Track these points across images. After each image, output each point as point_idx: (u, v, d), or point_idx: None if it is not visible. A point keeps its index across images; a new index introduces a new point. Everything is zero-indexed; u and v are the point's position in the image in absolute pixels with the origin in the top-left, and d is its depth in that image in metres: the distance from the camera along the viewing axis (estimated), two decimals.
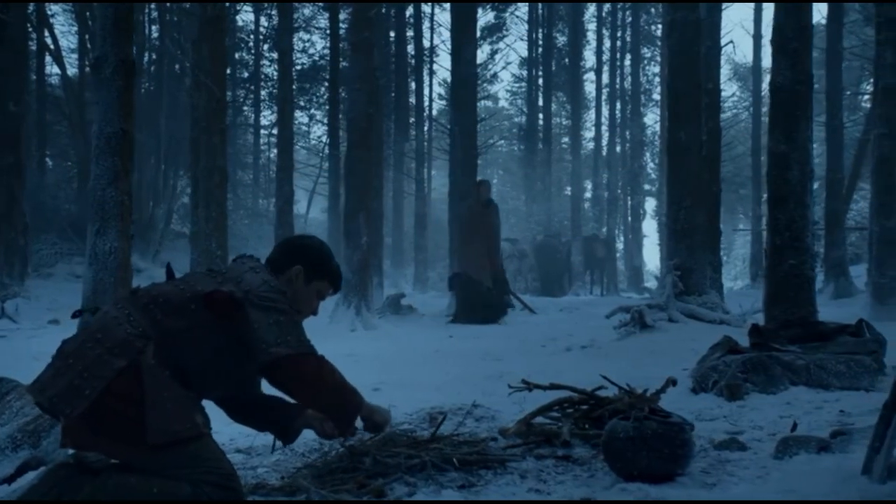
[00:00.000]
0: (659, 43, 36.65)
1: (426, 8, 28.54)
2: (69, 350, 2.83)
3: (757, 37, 28.78)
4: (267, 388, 3.64)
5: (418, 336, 10.97)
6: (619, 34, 35.14)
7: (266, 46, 27.13)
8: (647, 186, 37.05)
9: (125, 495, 2.78)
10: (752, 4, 28.39)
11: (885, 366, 5.73)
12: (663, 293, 9.18)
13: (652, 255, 46.00)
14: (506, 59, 53.81)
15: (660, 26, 36.27)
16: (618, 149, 34.77)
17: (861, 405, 4.50)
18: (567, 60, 34.32)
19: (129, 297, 3.01)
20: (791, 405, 4.85)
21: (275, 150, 30.50)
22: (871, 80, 29.05)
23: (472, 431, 4.29)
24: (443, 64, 44.20)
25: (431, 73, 30.39)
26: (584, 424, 4.04)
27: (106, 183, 5.58)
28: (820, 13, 22.66)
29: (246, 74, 26.97)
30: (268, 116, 29.86)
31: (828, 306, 12.75)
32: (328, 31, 24.55)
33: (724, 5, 13.71)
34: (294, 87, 21.30)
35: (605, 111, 35.63)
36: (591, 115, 35.52)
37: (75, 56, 22.83)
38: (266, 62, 27.67)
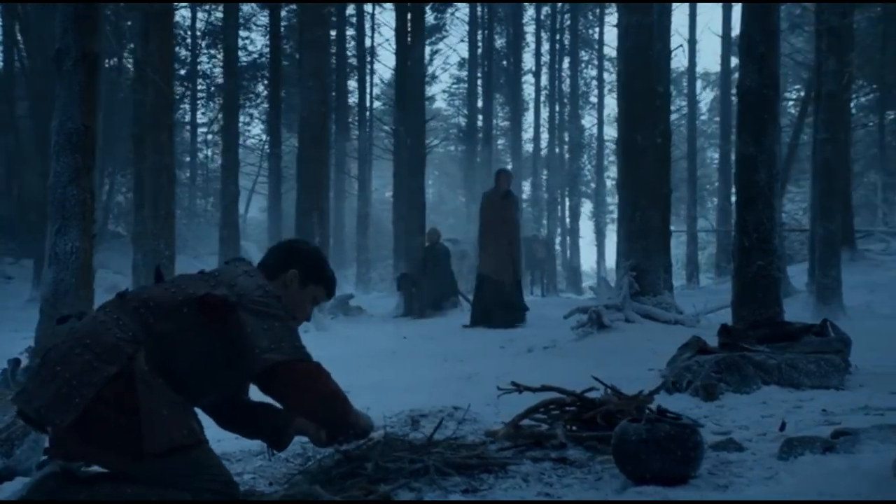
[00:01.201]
0: (597, 47, 37.22)
1: (367, 7, 28.36)
2: (56, 357, 2.71)
3: (692, 42, 29.25)
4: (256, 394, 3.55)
5: (372, 337, 10.87)
6: (557, 37, 35.43)
7: (204, 42, 26.61)
8: (582, 188, 37.46)
9: None
10: (687, 11, 28.87)
11: (850, 364, 5.87)
12: (620, 294, 9.26)
13: (588, 257, 46.50)
14: (446, 61, 53.53)
15: (597, 30, 36.84)
16: (556, 150, 35.10)
17: (841, 404, 4.57)
18: (506, 62, 34.54)
19: (117, 301, 2.92)
20: (768, 405, 4.91)
21: (212, 149, 30.02)
22: (798, 87, 30.02)
23: (457, 434, 4.23)
24: (386, 63, 44.10)
25: (372, 72, 30.24)
26: (571, 426, 4.01)
27: (67, 181, 5.35)
28: (801, 15, 23.32)
29: (182, 71, 26.41)
30: (206, 114, 29.35)
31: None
32: (268, 29, 24.25)
33: (674, 6, 13.89)
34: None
35: (544, 113, 35.97)
36: (530, 116, 35.71)
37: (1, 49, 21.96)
38: (204, 58, 27.18)
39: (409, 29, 16.75)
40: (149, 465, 2.65)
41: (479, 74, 33.82)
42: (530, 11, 34.92)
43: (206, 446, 2.81)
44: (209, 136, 29.88)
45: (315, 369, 2.86)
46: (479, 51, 34.14)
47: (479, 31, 33.86)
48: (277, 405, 3.30)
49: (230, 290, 2.82)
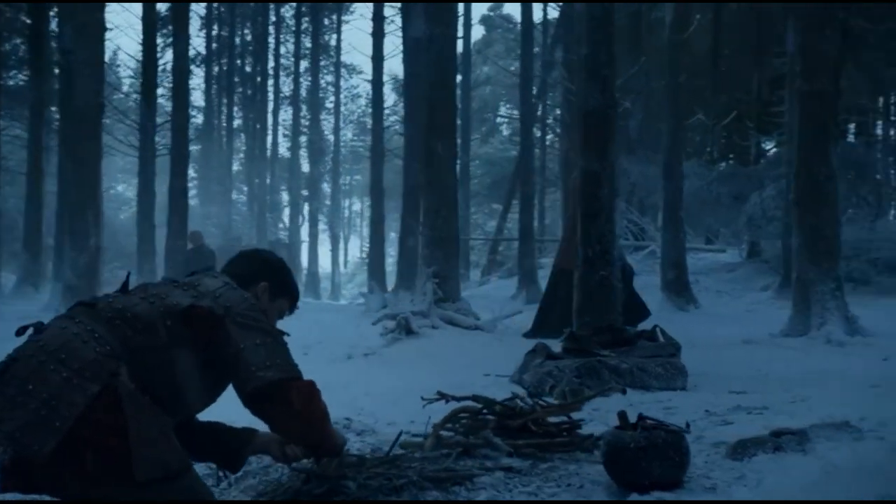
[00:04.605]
0: (332, 53, 37.37)
1: None
2: (23, 373, 2.30)
3: None
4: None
5: None
6: (298, 41, 35.06)
7: None
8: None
9: None
10: None
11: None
12: (424, 300, 9.37)
13: (324, 262, 46.46)
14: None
15: (335, 36, 36.98)
16: (296, 154, 34.68)
17: (717, 404, 4.93)
18: (240, 61, 33.71)
19: (87, 310, 2.54)
20: (635, 406, 5.14)
21: None
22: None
23: (360, 447, 4.10)
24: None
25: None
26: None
27: None
28: (515, 40, 24.78)
29: None
30: None
31: (524, 312, 13.79)
32: None
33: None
34: None
35: (284, 116, 35.48)
36: (270, 118, 34.98)
37: None
38: None
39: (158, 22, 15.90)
40: (137, 495, 2.33)
41: (215, 71, 32.68)
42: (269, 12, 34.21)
43: (195, 471, 2.53)
44: None
45: (310, 388, 2.65)
46: (215, 46, 33.00)
47: (217, 28, 32.72)
48: (229, 424, 3.04)
49: (215, 303, 2.57)
